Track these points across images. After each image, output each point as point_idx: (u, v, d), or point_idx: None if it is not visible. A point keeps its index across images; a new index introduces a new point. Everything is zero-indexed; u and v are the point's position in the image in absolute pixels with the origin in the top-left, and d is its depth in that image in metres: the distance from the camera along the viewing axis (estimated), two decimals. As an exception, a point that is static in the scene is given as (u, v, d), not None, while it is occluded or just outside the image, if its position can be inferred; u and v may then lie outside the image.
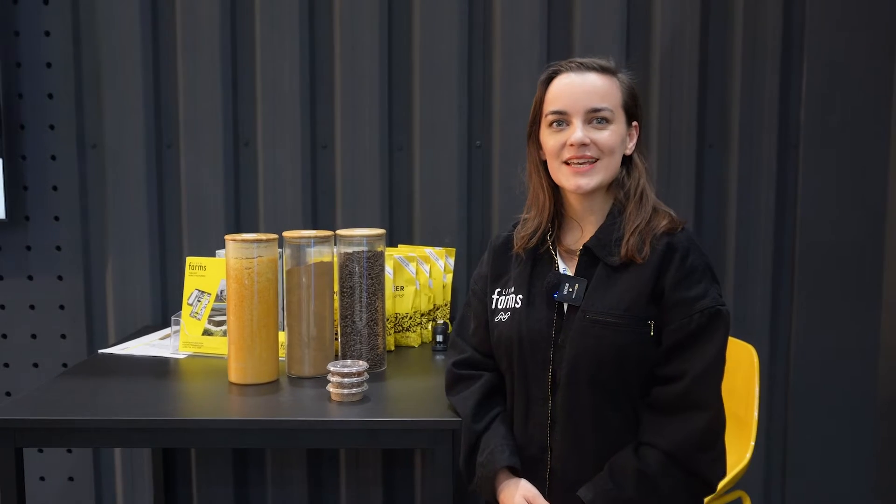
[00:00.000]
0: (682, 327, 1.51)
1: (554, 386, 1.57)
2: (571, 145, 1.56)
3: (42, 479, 2.53)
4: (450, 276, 2.36)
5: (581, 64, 1.60)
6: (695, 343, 1.51)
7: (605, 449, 1.55)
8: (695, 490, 1.54)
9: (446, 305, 2.34)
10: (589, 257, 1.59)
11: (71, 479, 2.54)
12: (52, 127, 2.44)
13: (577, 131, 1.55)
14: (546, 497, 1.58)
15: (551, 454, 1.58)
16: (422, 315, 2.25)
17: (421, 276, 2.24)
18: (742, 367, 2.04)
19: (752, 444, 1.96)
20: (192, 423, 1.68)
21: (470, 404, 1.65)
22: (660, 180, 2.37)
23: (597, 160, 1.56)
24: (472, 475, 1.63)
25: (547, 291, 1.60)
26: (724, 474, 1.55)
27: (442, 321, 2.25)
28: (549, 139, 1.60)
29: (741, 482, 2.00)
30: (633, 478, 1.50)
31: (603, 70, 1.59)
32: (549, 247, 1.64)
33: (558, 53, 2.34)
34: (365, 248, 1.93)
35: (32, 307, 2.50)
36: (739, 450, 1.94)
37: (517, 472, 1.61)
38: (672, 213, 1.61)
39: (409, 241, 2.45)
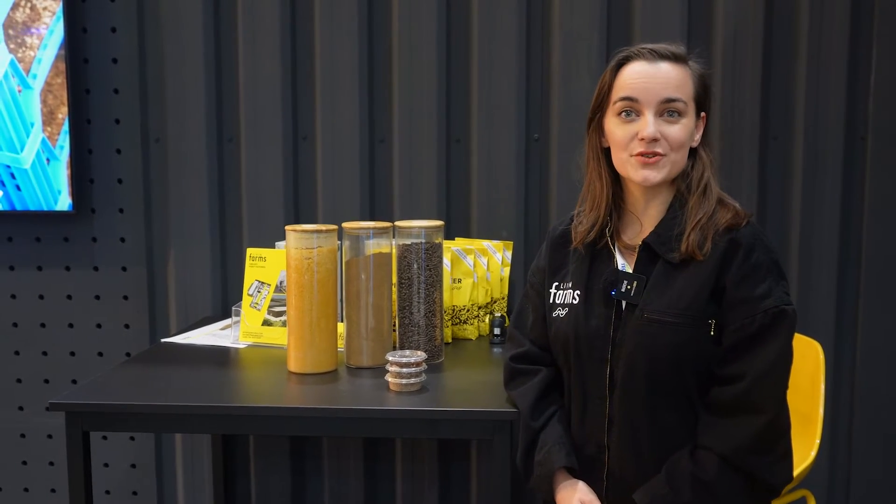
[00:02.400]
0: (744, 328, 1.46)
1: (612, 384, 1.54)
2: (642, 139, 1.51)
3: (106, 465, 2.59)
4: (507, 269, 2.35)
5: (653, 51, 1.54)
6: (757, 344, 1.46)
7: (662, 449, 1.51)
8: (756, 494, 1.50)
9: (503, 298, 2.33)
10: (648, 253, 1.55)
11: (133, 465, 2.59)
12: (117, 121, 2.50)
13: (649, 126, 1.50)
14: (604, 497, 1.55)
15: (609, 453, 1.56)
16: (479, 308, 2.25)
17: (479, 268, 2.24)
18: (807, 363, 1.99)
19: (818, 442, 1.92)
20: (252, 410, 1.70)
21: (528, 401, 1.63)
22: (722, 172, 2.29)
23: (666, 155, 1.52)
24: (529, 472, 1.62)
25: (605, 289, 1.56)
26: (788, 478, 1.49)
27: (499, 314, 2.24)
28: (617, 129, 1.55)
29: (804, 481, 1.95)
30: (690, 482, 1.46)
31: (676, 58, 1.54)
32: (607, 241, 1.61)
33: (618, 46, 2.30)
34: (423, 240, 1.94)
35: (97, 297, 2.55)
36: (804, 448, 1.90)
37: (574, 473, 1.59)
38: (738, 206, 1.55)
39: (467, 234, 2.44)
